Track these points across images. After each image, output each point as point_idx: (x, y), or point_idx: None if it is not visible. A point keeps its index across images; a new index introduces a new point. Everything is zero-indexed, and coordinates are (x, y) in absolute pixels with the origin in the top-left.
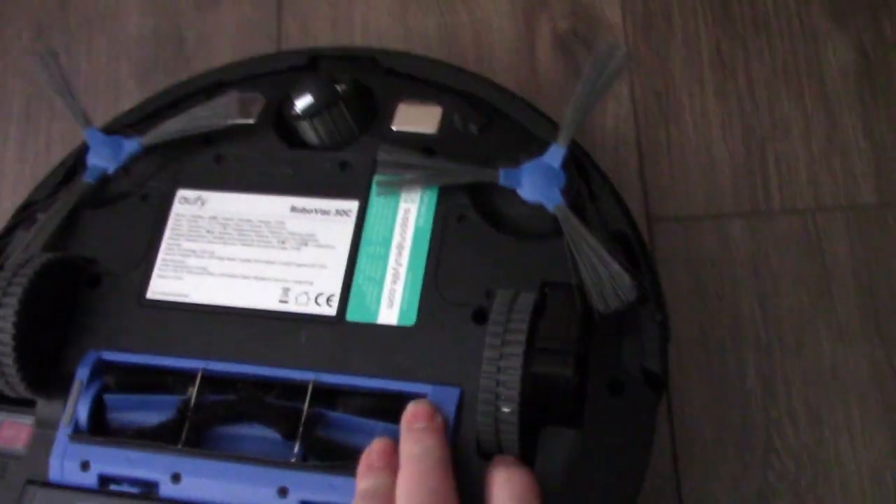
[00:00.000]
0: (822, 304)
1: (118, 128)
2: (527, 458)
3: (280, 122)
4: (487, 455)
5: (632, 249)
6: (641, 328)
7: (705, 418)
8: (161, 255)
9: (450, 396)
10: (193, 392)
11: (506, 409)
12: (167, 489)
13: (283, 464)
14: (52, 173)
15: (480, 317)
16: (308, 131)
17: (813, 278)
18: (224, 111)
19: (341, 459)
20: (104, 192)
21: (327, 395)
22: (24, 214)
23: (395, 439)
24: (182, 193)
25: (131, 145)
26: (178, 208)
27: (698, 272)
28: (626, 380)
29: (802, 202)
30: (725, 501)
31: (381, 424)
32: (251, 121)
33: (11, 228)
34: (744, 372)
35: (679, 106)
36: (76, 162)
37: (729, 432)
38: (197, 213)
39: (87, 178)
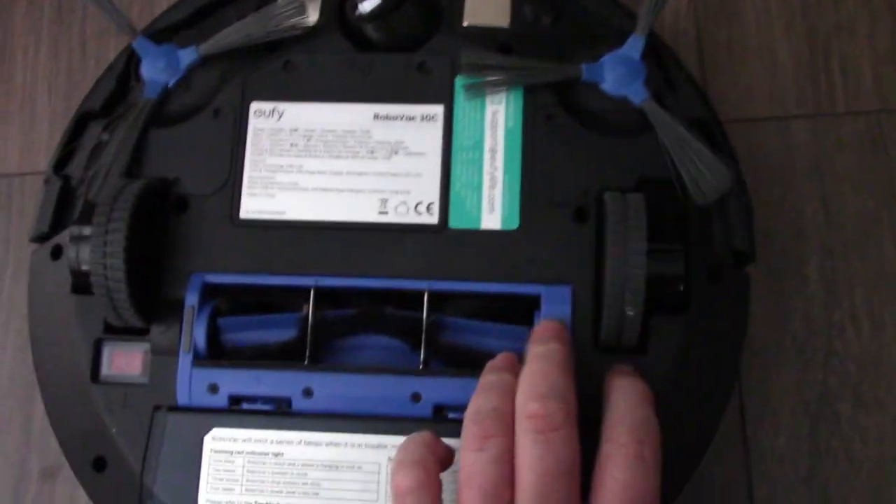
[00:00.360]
0: (887, 206)
1: (162, 29)
2: (639, 345)
3: (343, 21)
4: (605, 348)
5: (712, 136)
6: (727, 210)
7: (766, 322)
8: (247, 173)
9: (563, 295)
10: (310, 308)
11: (630, 311)
12: (300, 404)
13: (412, 371)
14: (102, 80)
15: (582, 216)
16: (374, 32)
17: (877, 181)
18: (287, 15)
19: (464, 362)
20: (168, 108)
21: (439, 302)
22: (83, 128)
23: (512, 344)
24: (256, 106)
25: (188, 55)
26: (255, 122)
27: (760, 174)
28: (722, 265)
29: (867, 103)
30: (787, 405)
31: (498, 325)
32: (314, 21)
33: (71, 141)
34: (806, 275)
35: (741, 3)
36: (126, 68)
37: (790, 336)
38: (276, 126)
39: (149, 95)
